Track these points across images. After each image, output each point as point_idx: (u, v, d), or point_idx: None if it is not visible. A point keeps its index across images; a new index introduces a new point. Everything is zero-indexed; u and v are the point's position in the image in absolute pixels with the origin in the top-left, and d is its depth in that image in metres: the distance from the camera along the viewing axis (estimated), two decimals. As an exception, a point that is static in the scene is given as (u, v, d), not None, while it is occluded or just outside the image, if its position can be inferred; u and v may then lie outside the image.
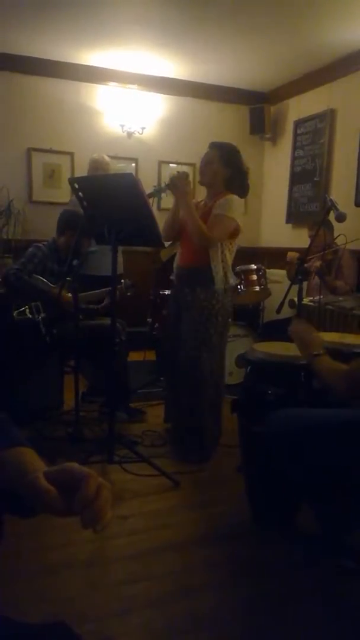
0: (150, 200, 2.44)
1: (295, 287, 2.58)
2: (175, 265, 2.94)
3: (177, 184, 2.66)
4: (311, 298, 3.22)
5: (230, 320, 2.98)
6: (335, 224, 3.16)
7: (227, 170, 2.72)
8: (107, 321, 2.79)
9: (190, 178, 2.95)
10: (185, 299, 2.79)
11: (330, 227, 3.56)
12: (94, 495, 0.66)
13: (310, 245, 2.80)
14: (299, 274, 2.51)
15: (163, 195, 3.38)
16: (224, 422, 2.88)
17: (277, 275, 4.02)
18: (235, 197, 2.70)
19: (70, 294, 2.87)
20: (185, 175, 2.71)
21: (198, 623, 1.62)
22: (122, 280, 3.23)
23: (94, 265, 3.34)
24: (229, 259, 2.77)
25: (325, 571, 1.85)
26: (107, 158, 4.15)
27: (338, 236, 3.37)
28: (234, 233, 2.73)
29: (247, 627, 1.62)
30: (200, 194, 3.13)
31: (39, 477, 0.67)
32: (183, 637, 1.57)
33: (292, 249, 4.02)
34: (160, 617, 1.63)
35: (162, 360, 3.05)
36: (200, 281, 2.72)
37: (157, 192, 2.72)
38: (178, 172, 2.75)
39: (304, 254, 2.56)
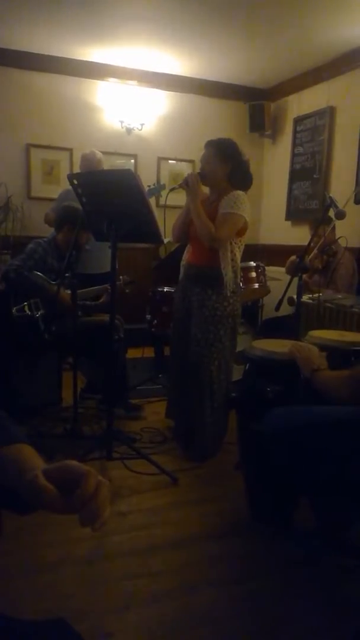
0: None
1: (294, 285, 2.58)
2: (183, 262, 2.91)
3: (190, 184, 2.65)
4: (310, 295, 3.21)
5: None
6: (336, 221, 3.16)
7: (226, 166, 2.70)
8: (105, 318, 2.79)
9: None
10: (195, 297, 2.77)
11: (330, 224, 3.55)
12: (93, 493, 0.66)
13: (310, 242, 2.80)
14: (298, 270, 2.51)
15: (162, 193, 3.35)
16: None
17: (277, 273, 4.02)
18: (240, 193, 2.68)
19: (69, 291, 2.87)
20: (199, 177, 2.71)
21: (196, 620, 1.62)
22: (121, 277, 3.22)
23: (88, 264, 3.33)
24: (238, 257, 2.75)
25: (324, 568, 1.86)
26: (98, 154, 4.06)
27: (339, 238, 3.38)
28: (242, 230, 2.72)
29: (246, 624, 1.62)
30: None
31: (38, 475, 0.67)
32: (181, 634, 1.57)
33: (291, 247, 4.03)
34: (159, 614, 1.63)
35: (169, 357, 3.04)
36: (210, 282, 2.70)
37: (154, 191, 2.71)
38: (192, 172, 2.74)
39: (304, 251, 2.55)
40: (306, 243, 2.84)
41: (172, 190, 2.79)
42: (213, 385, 2.74)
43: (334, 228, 3.57)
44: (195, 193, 2.67)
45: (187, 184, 2.67)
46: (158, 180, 5.11)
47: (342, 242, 3.43)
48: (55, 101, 4.92)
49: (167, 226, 2.88)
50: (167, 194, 2.79)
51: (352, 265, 3.66)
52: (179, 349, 2.89)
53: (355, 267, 3.71)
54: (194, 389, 2.77)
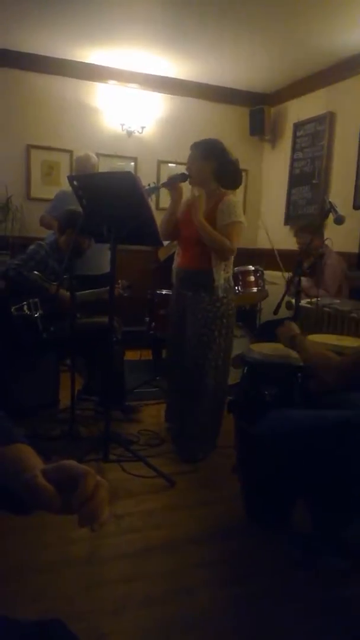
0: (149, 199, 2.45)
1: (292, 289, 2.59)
2: (174, 266, 2.93)
3: (173, 182, 2.70)
4: (308, 300, 3.22)
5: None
6: (333, 226, 3.17)
7: (209, 164, 2.73)
8: (104, 320, 2.79)
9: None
10: (188, 301, 2.78)
11: (319, 233, 3.58)
12: (92, 493, 0.66)
13: (308, 245, 2.82)
14: (296, 275, 2.53)
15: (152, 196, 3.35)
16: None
17: (275, 277, 4.03)
18: (232, 199, 2.71)
19: (68, 292, 2.87)
20: (182, 177, 2.74)
21: (192, 622, 1.62)
22: (120, 281, 3.22)
23: (86, 265, 3.33)
24: (230, 260, 2.77)
25: (320, 570, 1.86)
26: (93, 158, 4.03)
27: (326, 239, 3.40)
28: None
29: (241, 626, 1.62)
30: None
31: (37, 475, 0.66)
32: (177, 636, 1.57)
33: (289, 251, 4.04)
34: (155, 616, 1.63)
35: (166, 360, 3.04)
36: (202, 284, 2.72)
37: (153, 190, 2.72)
38: (176, 174, 2.77)
39: (302, 254, 2.57)
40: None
41: (155, 190, 2.80)
42: (208, 388, 2.74)
43: (322, 234, 3.61)
44: (180, 192, 2.76)
45: (169, 185, 2.74)
46: (158, 181, 5.12)
47: (328, 244, 3.45)
48: (55, 103, 4.92)
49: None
50: (153, 198, 2.84)
51: (339, 266, 3.68)
52: (176, 352, 2.90)
53: (345, 269, 3.74)
54: (190, 391, 2.77)
